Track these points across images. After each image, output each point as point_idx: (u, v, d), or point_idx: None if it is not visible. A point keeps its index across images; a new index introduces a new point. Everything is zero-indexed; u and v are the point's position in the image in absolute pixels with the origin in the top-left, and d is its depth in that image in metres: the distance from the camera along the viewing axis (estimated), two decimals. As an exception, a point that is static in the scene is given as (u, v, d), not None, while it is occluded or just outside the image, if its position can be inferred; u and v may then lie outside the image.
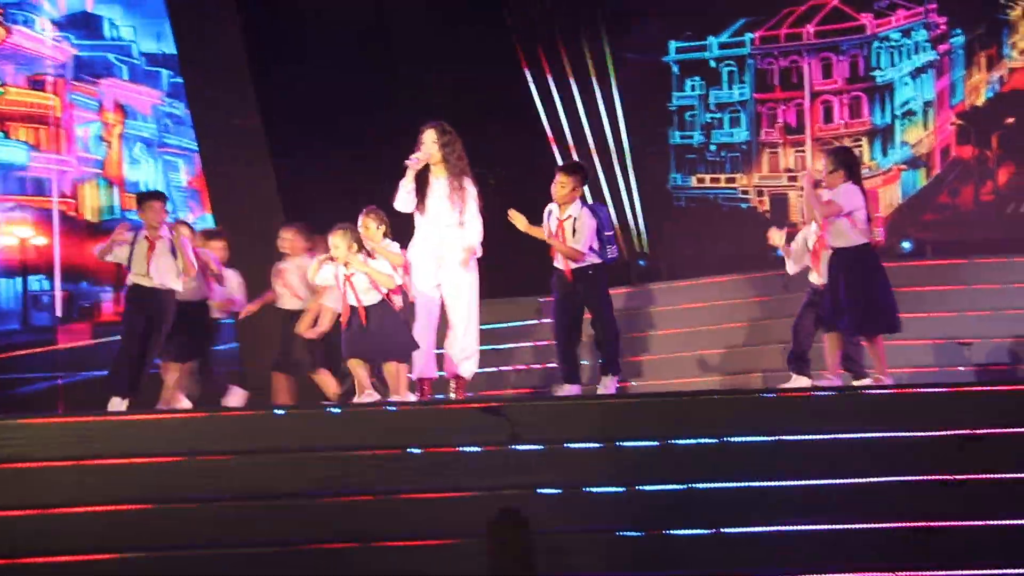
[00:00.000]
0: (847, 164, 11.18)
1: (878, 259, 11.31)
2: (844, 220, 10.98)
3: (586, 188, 12.70)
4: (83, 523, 9.11)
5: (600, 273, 11.59)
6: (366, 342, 10.93)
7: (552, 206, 11.66)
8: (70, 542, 8.96)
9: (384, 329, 10.91)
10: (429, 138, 11.16)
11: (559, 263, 11.64)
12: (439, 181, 11.18)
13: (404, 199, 11.19)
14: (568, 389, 11.56)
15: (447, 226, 11.19)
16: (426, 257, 11.21)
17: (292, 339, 12.63)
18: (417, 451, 9.45)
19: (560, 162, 19.34)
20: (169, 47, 19.48)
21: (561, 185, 11.59)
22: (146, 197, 12.36)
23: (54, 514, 9.15)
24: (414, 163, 11.08)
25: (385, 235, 11.02)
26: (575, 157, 19.59)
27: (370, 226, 11.01)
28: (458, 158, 11.21)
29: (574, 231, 11.45)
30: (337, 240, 10.93)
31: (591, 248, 11.49)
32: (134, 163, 19.47)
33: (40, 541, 8.98)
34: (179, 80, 19.45)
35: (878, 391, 10.48)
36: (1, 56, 18.95)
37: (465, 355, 11.33)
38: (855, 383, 11.50)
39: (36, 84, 19.10)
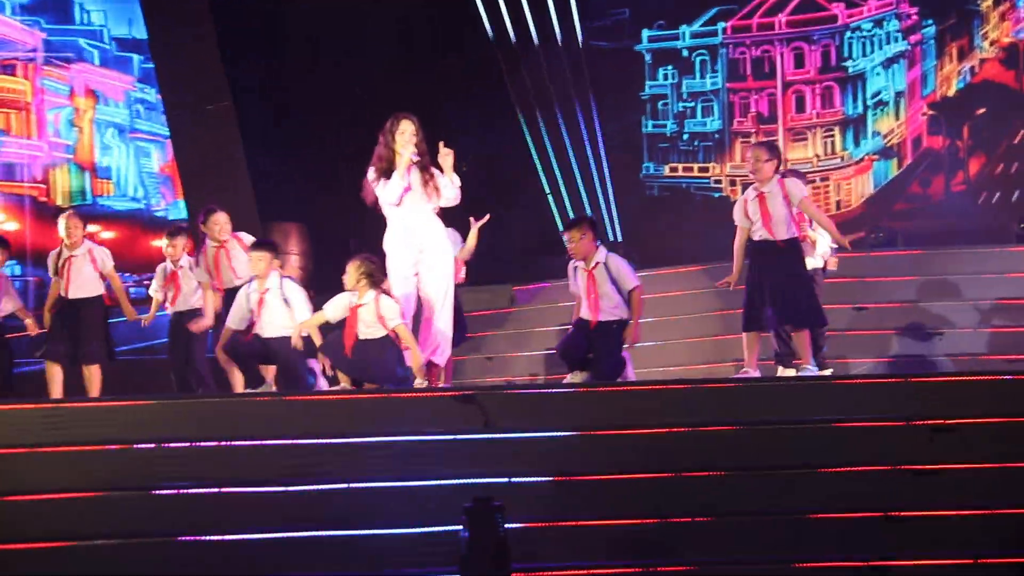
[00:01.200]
0: (779, 156, 11.29)
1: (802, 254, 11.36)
2: (786, 212, 11.01)
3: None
4: (52, 509, 9.08)
5: (622, 329, 11.58)
6: (359, 366, 11.05)
7: (576, 262, 11.67)
8: (41, 528, 8.93)
9: (379, 361, 11.04)
10: (410, 128, 11.11)
11: (585, 314, 11.61)
12: (415, 173, 11.14)
13: (396, 192, 11.13)
14: (576, 375, 11.57)
15: (423, 216, 11.17)
16: (404, 248, 11.18)
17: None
18: (390, 439, 9.44)
19: (534, 150, 19.39)
20: (140, 32, 19.42)
21: (574, 240, 11.60)
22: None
23: (23, 500, 9.12)
24: (414, 159, 11.09)
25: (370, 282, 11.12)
26: (548, 146, 19.61)
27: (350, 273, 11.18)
28: (426, 148, 11.22)
29: (609, 275, 11.46)
30: (348, 269, 11.09)
31: (621, 301, 11.54)
32: (105, 149, 19.40)
33: (10, 528, 8.95)
34: (150, 65, 19.38)
35: (845, 380, 10.50)
36: (-29, 41, 18.87)
37: (438, 342, 11.31)
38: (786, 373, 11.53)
39: (6, 68, 19.02)
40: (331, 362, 11.24)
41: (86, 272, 12.68)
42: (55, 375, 12.60)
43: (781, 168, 11.31)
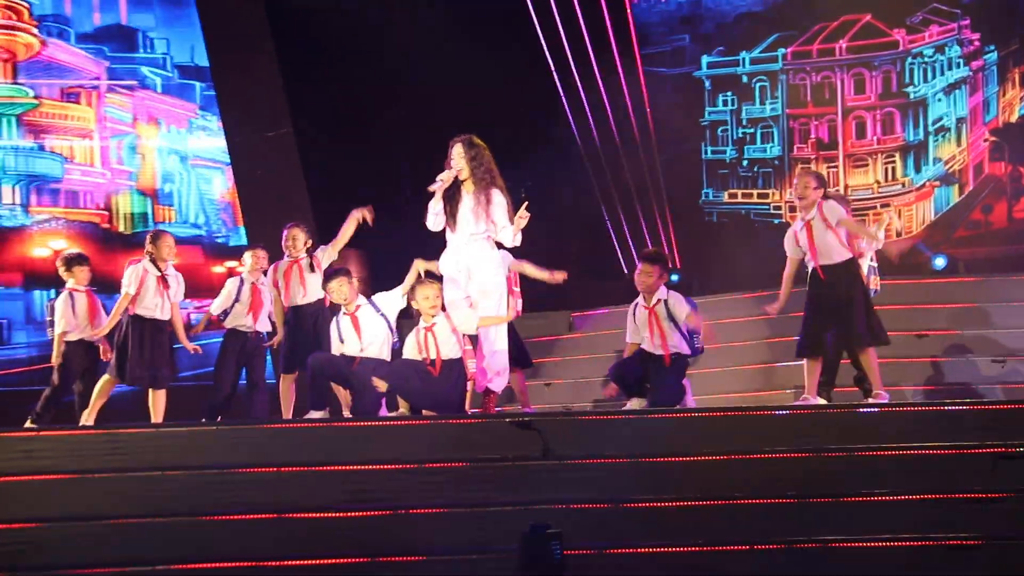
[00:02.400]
0: (826, 188, 11.35)
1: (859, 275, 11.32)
2: (832, 236, 10.99)
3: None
4: (112, 534, 9.13)
5: (682, 363, 11.57)
6: (423, 392, 11.15)
7: (637, 300, 11.70)
8: (100, 553, 8.98)
9: (445, 387, 11.15)
10: (457, 152, 11.09)
11: (649, 347, 11.61)
12: (468, 196, 11.10)
13: (433, 220, 11.13)
14: (635, 402, 11.56)
15: (473, 239, 11.09)
16: (452, 271, 11.16)
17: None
18: (448, 465, 9.45)
19: (592, 176, 19.39)
20: (202, 60, 19.56)
21: (647, 274, 11.63)
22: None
23: (84, 526, 9.18)
24: (438, 186, 11.03)
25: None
26: (606, 171, 19.60)
27: (430, 296, 11.30)
28: (485, 171, 11.09)
29: (668, 314, 11.45)
30: (427, 292, 11.28)
31: (683, 336, 11.55)
32: (167, 176, 19.54)
33: (70, 553, 9.00)
34: (212, 93, 19.52)
35: (918, 407, 10.42)
36: (36, 68, 19.06)
37: (495, 369, 11.30)
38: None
39: (70, 96, 19.20)
40: (393, 389, 11.27)
41: (167, 294, 12.75)
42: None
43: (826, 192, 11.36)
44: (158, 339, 12.59)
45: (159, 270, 12.57)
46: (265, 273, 13.31)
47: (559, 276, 12.03)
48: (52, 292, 17.35)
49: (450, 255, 11.18)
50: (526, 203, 11.01)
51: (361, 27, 18.75)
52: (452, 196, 11.11)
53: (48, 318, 13.16)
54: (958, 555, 8.73)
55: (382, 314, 11.70)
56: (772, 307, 11.59)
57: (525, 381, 12.51)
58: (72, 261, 13.10)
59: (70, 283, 12.96)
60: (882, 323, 11.25)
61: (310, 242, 13.17)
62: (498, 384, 11.32)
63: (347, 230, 12.90)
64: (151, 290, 12.52)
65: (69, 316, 12.81)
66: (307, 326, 12.91)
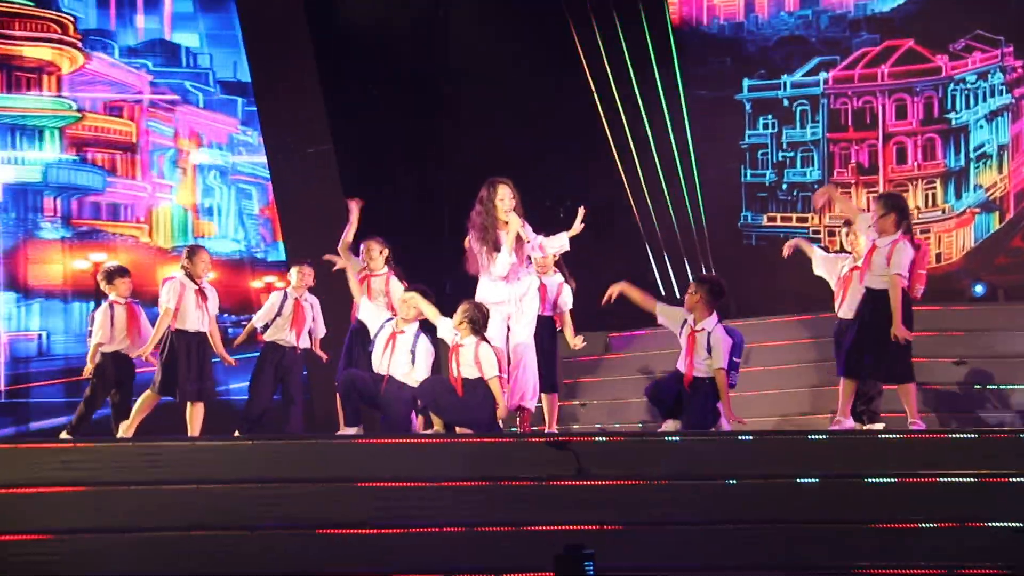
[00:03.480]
0: (899, 208, 11.10)
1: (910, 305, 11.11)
2: (886, 268, 10.87)
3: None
4: (150, 546, 9.17)
5: (715, 388, 11.53)
6: (454, 408, 11.18)
7: (688, 315, 11.71)
8: (135, 565, 9.02)
9: (475, 404, 11.15)
10: (508, 194, 11.27)
11: (681, 366, 11.60)
12: (510, 234, 11.27)
13: (507, 269, 11.32)
14: (670, 424, 11.55)
15: (515, 277, 11.33)
16: (502, 300, 11.34)
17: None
18: (481, 484, 9.46)
19: (631, 196, 19.39)
20: (244, 75, 19.65)
21: (689, 294, 11.70)
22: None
23: (119, 537, 9.22)
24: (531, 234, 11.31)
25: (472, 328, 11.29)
26: (645, 191, 19.59)
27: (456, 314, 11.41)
28: (520, 208, 11.37)
29: (708, 347, 11.44)
30: (459, 311, 11.34)
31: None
32: (207, 190, 19.63)
33: (106, 564, 9.04)
34: (253, 108, 19.61)
35: (954, 434, 10.38)
36: (80, 82, 19.19)
37: (529, 388, 11.38)
38: (868, 427, 11.44)
39: (113, 110, 19.32)
40: (427, 405, 11.34)
41: (206, 307, 12.80)
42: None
43: (906, 223, 11.12)
44: (203, 352, 12.66)
45: (196, 284, 12.63)
46: (310, 290, 13.35)
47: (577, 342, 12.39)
48: (92, 304, 17.51)
49: (500, 290, 11.34)
50: (583, 210, 11.18)
51: (403, 45, 18.81)
52: (494, 237, 11.26)
53: (89, 329, 13.23)
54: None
55: (414, 352, 11.75)
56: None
57: (556, 404, 12.53)
58: (113, 273, 13.16)
59: (111, 295, 13.02)
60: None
61: (387, 252, 13.09)
62: (530, 403, 11.39)
63: (353, 222, 12.88)
64: (191, 304, 12.57)
65: (107, 327, 12.86)
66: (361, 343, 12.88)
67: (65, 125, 19.00)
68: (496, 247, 11.29)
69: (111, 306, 12.96)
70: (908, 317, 10.85)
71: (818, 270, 12.50)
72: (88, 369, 12.90)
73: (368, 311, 12.21)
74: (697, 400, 11.43)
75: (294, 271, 13.45)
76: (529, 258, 11.50)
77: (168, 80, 19.68)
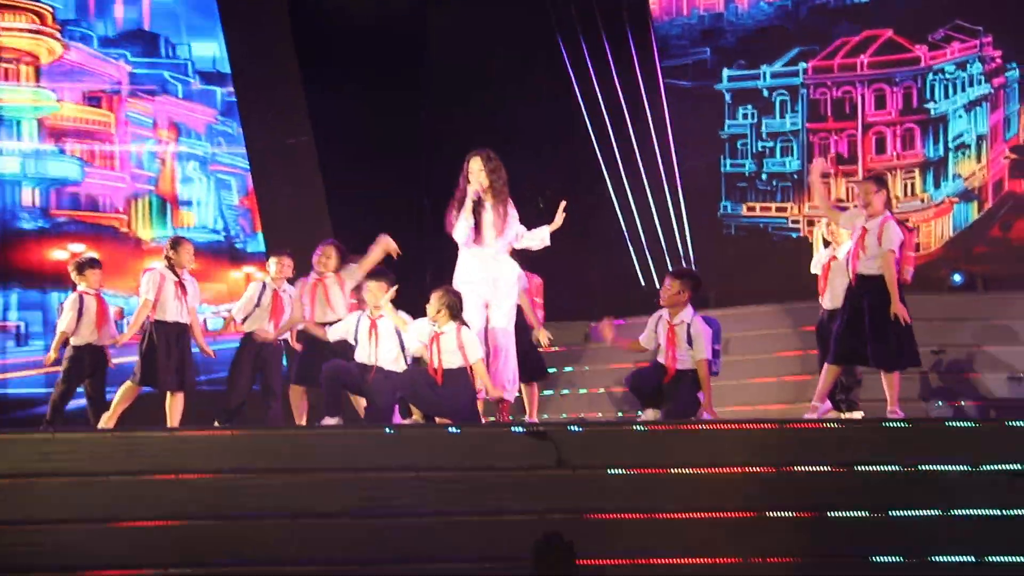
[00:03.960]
0: (888, 187, 11.16)
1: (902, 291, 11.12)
2: (879, 249, 10.88)
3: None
4: (130, 537, 9.16)
5: (693, 377, 11.55)
6: (432, 400, 11.17)
7: (662, 311, 11.72)
8: (115, 555, 9.01)
9: (453, 395, 11.13)
10: (476, 166, 11.23)
11: (663, 360, 11.61)
12: (488, 208, 11.23)
13: (464, 232, 11.26)
14: (649, 413, 11.56)
15: (496, 252, 11.27)
16: (474, 282, 11.29)
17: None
18: (461, 473, 9.46)
19: (611, 187, 19.40)
20: (224, 66, 19.60)
21: (666, 288, 11.67)
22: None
23: (99, 528, 9.21)
24: (474, 194, 11.17)
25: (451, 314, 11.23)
26: (624, 181, 19.60)
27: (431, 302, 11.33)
28: (503, 184, 11.29)
29: (689, 338, 11.46)
30: (431, 298, 11.27)
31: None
32: (187, 181, 19.59)
33: (87, 555, 9.03)
34: (233, 99, 19.56)
35: (933, 423, 10.42)
36: (57, 72, 19.13)
37: (507, 377, 11.38)
38: (847, 415, 11.48)
39: (92, 100, 19.25)
40: (406, 396, 11.32)
41: (185, 299, 12.80)
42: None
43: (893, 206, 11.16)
44: (183, 343, 12.66)
45: (176, 276, 12.61)
46: (290, 282, 13.34)
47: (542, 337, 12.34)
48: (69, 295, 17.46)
49: (475, 264, 11.29)
50: (563, 203, 11.17)
51: (384, 36, 18.79)
52: (474, 209, 11.22)
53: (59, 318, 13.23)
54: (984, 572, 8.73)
55: (398, 333, 11.73)
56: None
57: (536, 393, 12.55)
58: (84, 265, 13.17)
59: (81, 286, 13.01)
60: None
61: (339, 263, 13.12)
62: (510, 393, 11.39)
63: (375, 255, 12.79)
64: (170, 295, 12.56)
65: (74, 318, 12.84)
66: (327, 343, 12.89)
67: (43, 116, 18.93)
68: (468, 219, 11.25)
69: (80, 297, 12.94)
70: (902, 300, 10.89)
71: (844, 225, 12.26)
72: (50, 357, 12.92)
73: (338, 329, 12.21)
74: (679, 390, 11.45)
75: (273, 262, 13.44)
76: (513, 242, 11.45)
77: (147, 71, 19.61)
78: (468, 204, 11.17)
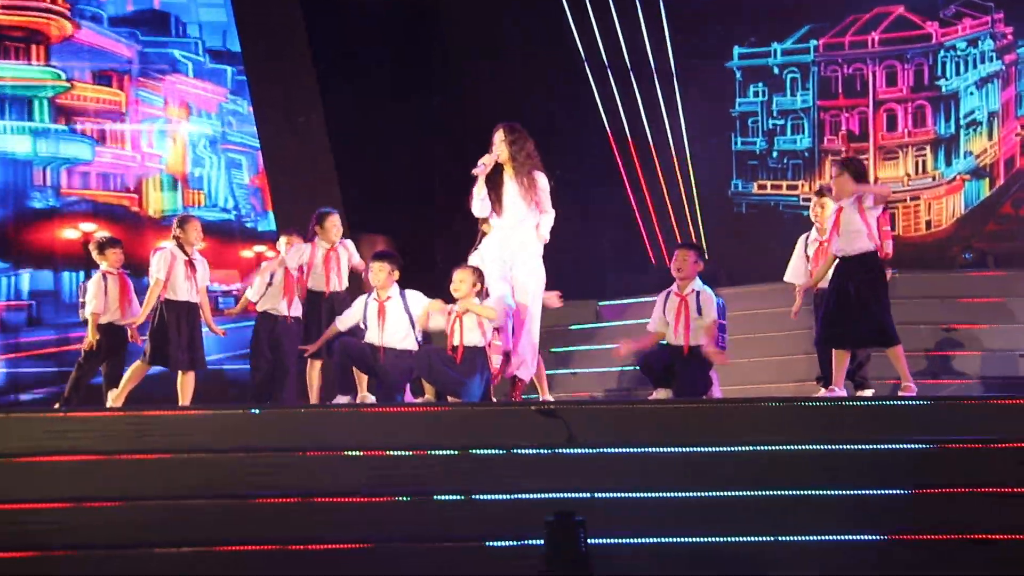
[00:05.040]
0: (857, 172, 11.07)
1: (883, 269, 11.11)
2: (862, 226, 10.84)
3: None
4: (142, 515, 9.18)
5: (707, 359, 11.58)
6: (447, 378, 11.20)
7: (669, 288, 11.77)
8: (127, 533, 9.03)
9: (469, 373, 11.17)
10: (498, 137, 11.21)
11: (672, 339, 11.62)
12: (511, 181, 11.21)
13: (479, 205, 11.27)
14: (661, 392, 11.57)
15: (520, 225, 11.23)
16: (495, 256, 11.28)
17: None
18: (473, 452, 9.47)
19: (621, 165, 19.39)
20: (234, 44, 19.59)
21: (682, 259, 11.66)
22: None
23: (111, 507, 9.23)
24: (481, 169, 11.12)
25: (478, 293, 11.29)
26: (635, 160, 19.59)
27: (465, 280, 11.27)
28: (527, 156, 11.22)
29: (699, 307, 11.48)
30: (464, 276, 11.27)
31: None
32: (197, 160, 19.59)
33: (99, 533, 9.05)
34: (243, 78, 19.56)
35: (944, 401, 10.40)
36: (68, 51, 19.12)
37: (524, 357, 11.37)
38: (858, 393, 11.47)
39: (102, 80, 19.26)
40: (421, 374, 11.34)
41: (195, 277, 12.81)
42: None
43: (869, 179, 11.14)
44: (193, 322, 12.67)
45: (186, 254, 12.62)
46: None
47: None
48: (81, 274, 17.49)
49: (497, 237, 11.29)
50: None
51: (395, 13, 18.77)
52: (496, 182, 11.20)
53: (81, 300, 13.25)
54: (984, 550, 8.72)
55: (408, 312, 11.74)
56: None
57: (544, 368, 12.56)
58: (105, 244, 13.23)
59: (103, 265, 13.05)
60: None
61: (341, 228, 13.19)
62: (525, 372, 11.39)
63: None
64: (180, 274, 12.57)
65: (101, 298, 12.90)
66: (323, 314, 12.95)
67: (54, 95, 18.94)
68: (479, 190, 11.25)
69: (104, 276, 12.99)
70: (883, 279, 10.88)
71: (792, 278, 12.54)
72: (90, 341, 12.94)
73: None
74: (690, 368, 11.46)
75: (283, 240, 13.47)
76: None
77: (157, 49, 19.61)
78: (480, 177, 11.15)
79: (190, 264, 12.61)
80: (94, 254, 13.22)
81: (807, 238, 12.51)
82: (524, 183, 11.14)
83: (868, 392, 11.72)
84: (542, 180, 11.24)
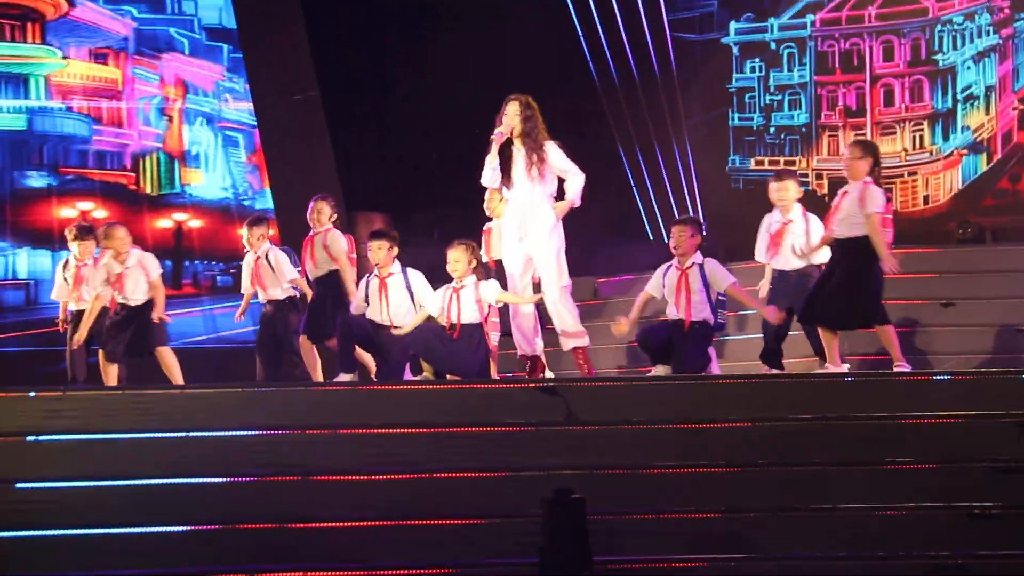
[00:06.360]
0: (875, 156, 11.02)
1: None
2: (858, 212, 10.80)
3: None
4: (138, 495, 9.19)
5: (707, 331, 11.56)
6: (444, 356, 11.23)
7: (671, 261, 11.74)
8: (125, 514, 9.05)
9: (466, 350, 11.22)
10: (512, 110, 11.15)
11: (673, 314, 11.62)
12: (520, 154, 11.17)
13: (490, 175, 11.24)
14: (659, 369, 11.57)
15: (528, 199, 11.18)
16: (510, 229, 11.27)
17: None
18: (472, 430, 9.48)
19: (619, 141, 19.37)
20: (230, 22, 19.56)
21: (678, 235, 11.63)
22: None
23: (109, 486, 9.24)
24: (498, 137, 11.09)
25: (474, 269, 11.32)
26: (633, 137, 19.57)
27: (461, 259, 11.32)
28: (536, 130, 11.17)
29: (705, 280, 11.48)
30: (459, 255, 11.30)
31: (710, 305, 11.56)
32: (194, 138, 19.57)
33: (95, 513, 9.07)
34: (239, 55, 19.53)
35: (941, 376, 10.41)
36: (63, 29, 19.09)
37: (576, 326, 11.37)
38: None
39: (98, 57, 19.23)
40: (418, 352, 11.35)
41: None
42: (111, 372, 12.84)
43: (876, 172, 11.04)
44: (129, 318, 12.78)
45: (119, 266, 12.76)
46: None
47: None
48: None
49: (510, 210, 11.27)
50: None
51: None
52: (506, 154, 11.16)
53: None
54: (981, 523, 8.74)
55: (409, 289, 11.75)
56: None
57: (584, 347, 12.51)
58: (80, 234, 13.43)
59: (75, 250, 13.29)
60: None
61: (335, 216, 13.13)
62: (582, 340, 11.34)
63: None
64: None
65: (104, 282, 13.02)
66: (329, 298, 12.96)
67: (50, 73, 18.92)
68: (490, 160, 11.22)
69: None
70: (876, 264, 10.84)
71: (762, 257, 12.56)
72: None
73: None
74: (689, 345, 11.46)
75: (253, 232, 13.46)
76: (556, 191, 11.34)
77: (153, 27, 19.58)
78: (494, 146, 11.13)
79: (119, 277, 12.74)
80: (101, 239, 13.26)
81: (769, 219, 12.48)
82: (533, 158, 11.08)
83: (844, 367, 11.66)
84: (552, 151, 11.15)
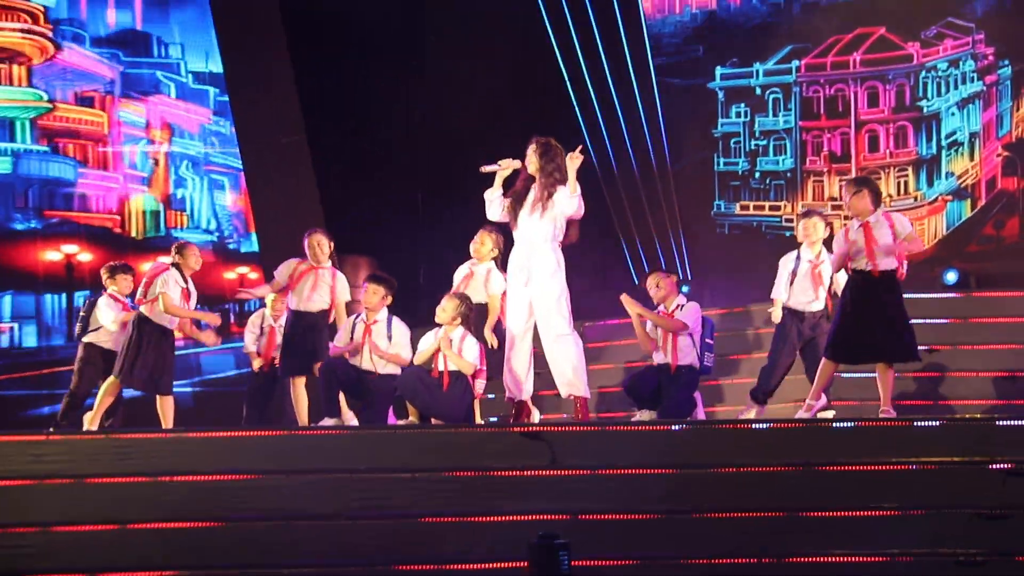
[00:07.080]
0: (876, 190, 11.03)
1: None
2: (893, 244, 10.75)
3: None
4: (123, 539, 9.16)
5: (692, 376, 11.62)
6: (430, 402, 11.31)
7: (659, 307, 12.15)
8: (108, 558, 9.01)
9: (452, 396, 11.33)
10: (531, 149, 11.03)
11: (660, 359, 11.72)
12: (533, 192, 11.02)
13: (491, 208, 11.10)
14: (644, 414, 11.58)
15: (534, 238, 10.98)
16: (515, 269, 11.05)
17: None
18: (456, 475, 9.47)
19: (603, 185, 19.40)
20: (217, 66, 19.60)
21: (652, 287, 12.13)
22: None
23: (93, 530, 9.21)
24: (495, 168, 11.01)
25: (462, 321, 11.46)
26: (618, 182, 19.61)
27: (447, 309, 11.51)
28: (555, 169, 11.00)
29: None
30: (447, 304, 11.50)
31: (695, 348, 11.64)
32: (180, 181, 19.58)
33: (80, 557, 9.03)
34: (226, 99, 19.56)
35: (926, 422, 10.41)
36: (50, 72, 19.11)
37: (578, 374, 11.06)
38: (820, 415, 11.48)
39: (84, 101, 19.25)
40: (404, 395, 11.38)
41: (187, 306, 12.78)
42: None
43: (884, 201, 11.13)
44: (162, 345, 12.55)
45: (184, 281, 12.59)
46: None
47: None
48: (63, 296, 17.47)
49: (515, 251, 11.09)
50: (580, 147, 10.99)
51: (378, 34, 18.80)
52: (521, 195, 11.05)
53: (83, 314, 13.31)
54: (966, 572, 8.73)
55: (389, 339, 11.80)
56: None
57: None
58: (117, 269, 13.36)
59: (111, 289, 13.16)
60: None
61: (332, 248, 13.10)
62: (583, 390, 11.16)
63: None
64: (176, 300, 12.49)
65: (117, 318, 12.98)
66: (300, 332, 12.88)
67: (36, 116, 18.93)
68: (490, 193, 11.16)
69: (112, 300, 13.08)
70: (901, 297, 10.82)
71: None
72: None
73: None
74: (675, 389, 11.48)
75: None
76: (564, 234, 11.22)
77: (140, 71, 19.61)
78: (498, 179, 11.04)
79: (187, 292, 12.57)
80: (104, 278, 13.26)
81: (796, 258, 12.42)
82: (541, 195, 10.92)
83: (829, 414, 11.64)
84: (561, 195, 10.87)
